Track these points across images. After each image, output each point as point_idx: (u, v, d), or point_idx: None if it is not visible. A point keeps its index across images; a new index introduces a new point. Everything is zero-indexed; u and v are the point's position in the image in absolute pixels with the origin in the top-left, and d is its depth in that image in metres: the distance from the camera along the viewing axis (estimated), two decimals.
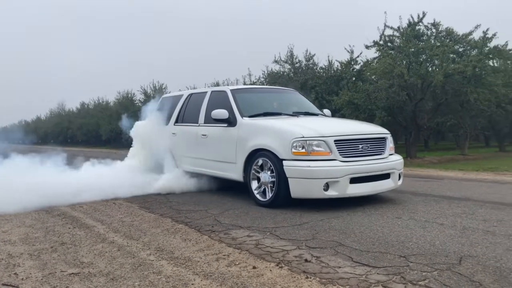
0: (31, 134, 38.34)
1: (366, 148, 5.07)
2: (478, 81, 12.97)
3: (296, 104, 6.79)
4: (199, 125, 6.65)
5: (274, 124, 5.41)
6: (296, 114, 6.18)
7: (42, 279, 2.98)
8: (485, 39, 13.36)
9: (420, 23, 13.94)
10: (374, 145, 5.17)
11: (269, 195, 5.13)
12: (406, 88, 13.28)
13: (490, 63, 14.32)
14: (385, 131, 5.51)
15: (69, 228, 4.51)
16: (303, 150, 4.83)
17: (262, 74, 20.35)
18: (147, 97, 27.99)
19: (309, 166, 4.73)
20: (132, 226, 4.49)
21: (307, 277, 2.81)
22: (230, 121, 5.86)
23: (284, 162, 4.89)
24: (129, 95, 30.95)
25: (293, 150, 4.85)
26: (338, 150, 4.86)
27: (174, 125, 7.39)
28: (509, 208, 4.81)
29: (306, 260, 3.13)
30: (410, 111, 13.62)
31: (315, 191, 4.73)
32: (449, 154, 14.34)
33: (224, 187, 6.74)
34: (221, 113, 5.85)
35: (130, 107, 27.59)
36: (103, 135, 30.79)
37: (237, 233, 3.99)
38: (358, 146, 5.01)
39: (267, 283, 2.75)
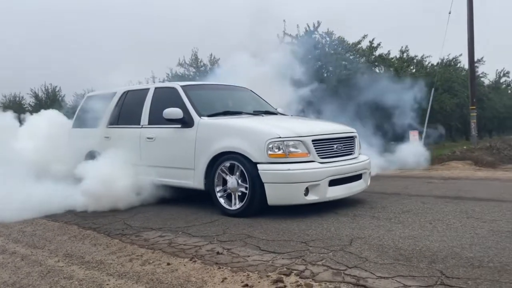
0: None
1: (340, 148, 4.83)
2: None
3: (252, 102, 6.31)
4: (142, 127, 5.83)
5: (244, 123, 4.95)
6: (257, 113, 5.70)
7: None
8: (372, 48, 14.93)
9: (316, 32, 15.08)
10: (346, 145, 4.95)
11: (238, 202, 4.63)
12: None
13: (377, 70, 16.03)
14: (353, 130, 5.27)
15: None
16: (280, 152, 4.40)
17: (167, 76, 20.14)
18: (39, 101, 25.90)
19: (289, 169, 4.32)
20: (35, 235, 4.28)
21: (219, 268, 3.01)
22: (185, 121, 5.17)
23: (258, 165, 4.41)
24: (17, 99, 28.24)
25: (269, 152, 4.40)
26: (316, 151, 4.55)
27: (107, 127, 6.45)
28: (390, 197, 5.55)
29: (218, 253, 3.33)
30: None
31: (296, 197, 4.35)
32: None
33: None
34: (175, 112, 5.14)
35: (19, 112, 25.22)
36: None
37: (148, 235, 4.04)
38: (333, 146, 4.74)
39: (181, 277, 2.90)
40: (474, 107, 15.02)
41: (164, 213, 4.99)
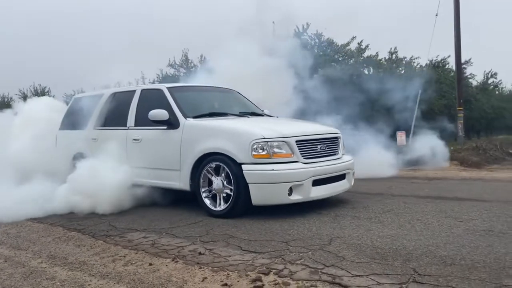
0: None
1: (324, 148, 4.91)
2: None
3: (238, 104, 6.37)
4: (128, 128, 5.86)
5: (229, 124, 5.01)
6: (243, 114, 5.78)
7: None
8: (360, 50, 15.08)
9: (305, 33, 15.19)
10: (330, 145, 5.04)
11: (223, 203, 4.67)
12: None
13: (365, 71, 16.19)
14: (337, 130, 5.37)
15: None
16: (265, 153, 4.47)
17: (157, 77, 20.12)
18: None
19: (273, 170, 4.40)
20: (19, 237, 4.30)
21: (200, 267, 3.07)
22: (171, 123, 5.21)
23: (243, 166, 4.47)
24: (6, 100, 27.94)
25: (254, 152, 4.46)
26: (300, 151, 4.62)
27: (94, 129, 6.47)
28: (373, 197, 5.64)
29: (200, 253, 3.39)
30: None
31: (280, 197, 4.42)
32: None
33: None
34: (161, 113, 5.17)
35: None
36: None
37: (133, 236, 4.08)
38: (316, 147, 4.82)
39: (163, 277, 2.95)
40: (461, 108, 15.23)
41: (149, 215, 5.01)
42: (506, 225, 3.86)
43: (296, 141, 4.63)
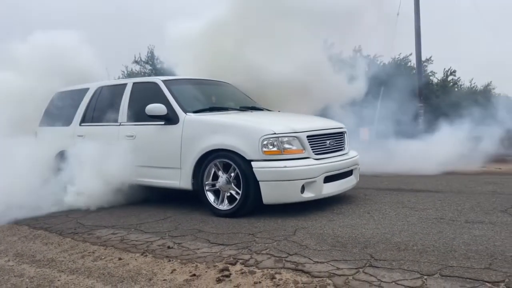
0: None
1: (333, 143, 4.80)
2: None
3: (236, 98, 6.19)
4: (120, 124, 5.59)
5: (236, 119, 4.86)
6: (244, 109, 5.62)
7: None
8: (325, 48, 15.39)
9: None
10: (337, 140, 4.92)
11: (230, 202, 4.47)
12: None
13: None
14: (343, 125, 5.24)
15: None
16: (275, 149, 4.30)
17: (122, 74, 19.76)
18: None
19: (285, 167, 4.24)
20: None
21: (169, 260, 3.17)
22: (169, 118, 4.97)
23: (253, 163, 4.27)
24: None
25: (264, 149, 4.28)
26: (311, 147, 4.49)
27: (80, 125, 6.19)
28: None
29: (168, 247, 3.48)
30: None
31: (292, 195, 4.26)
32: None
33: None
34: (159, 108, 4.91)
35: None
36: None
37: (101, 232, 4.12)
38: (325, 142, 4.69)
39: (132, 270, 3.04)
40: (421, 104, 15.85)
41: (117, 212, 5.04)
42: (456, 213, 4.16)
43: (307, 136, 4.48)
